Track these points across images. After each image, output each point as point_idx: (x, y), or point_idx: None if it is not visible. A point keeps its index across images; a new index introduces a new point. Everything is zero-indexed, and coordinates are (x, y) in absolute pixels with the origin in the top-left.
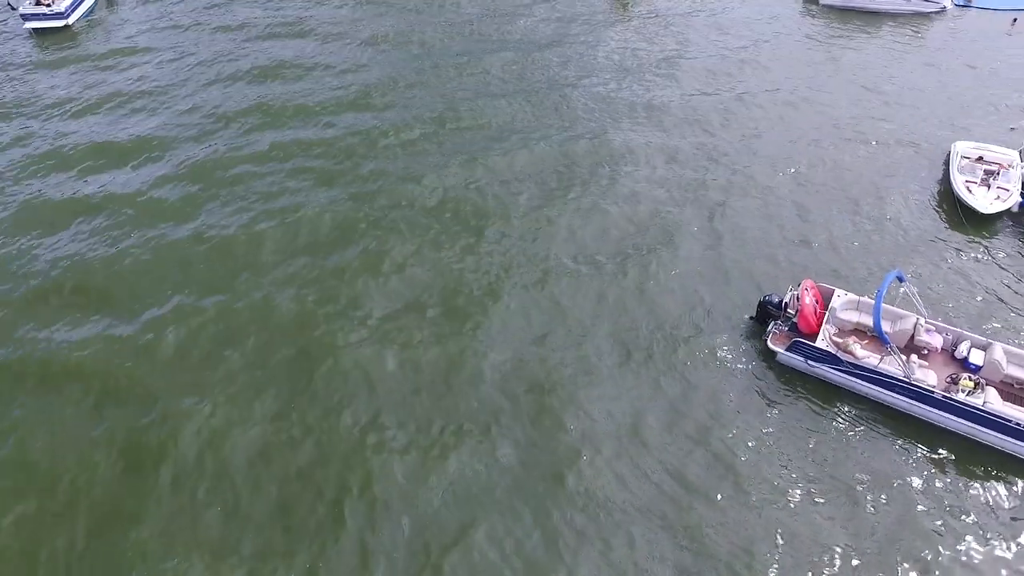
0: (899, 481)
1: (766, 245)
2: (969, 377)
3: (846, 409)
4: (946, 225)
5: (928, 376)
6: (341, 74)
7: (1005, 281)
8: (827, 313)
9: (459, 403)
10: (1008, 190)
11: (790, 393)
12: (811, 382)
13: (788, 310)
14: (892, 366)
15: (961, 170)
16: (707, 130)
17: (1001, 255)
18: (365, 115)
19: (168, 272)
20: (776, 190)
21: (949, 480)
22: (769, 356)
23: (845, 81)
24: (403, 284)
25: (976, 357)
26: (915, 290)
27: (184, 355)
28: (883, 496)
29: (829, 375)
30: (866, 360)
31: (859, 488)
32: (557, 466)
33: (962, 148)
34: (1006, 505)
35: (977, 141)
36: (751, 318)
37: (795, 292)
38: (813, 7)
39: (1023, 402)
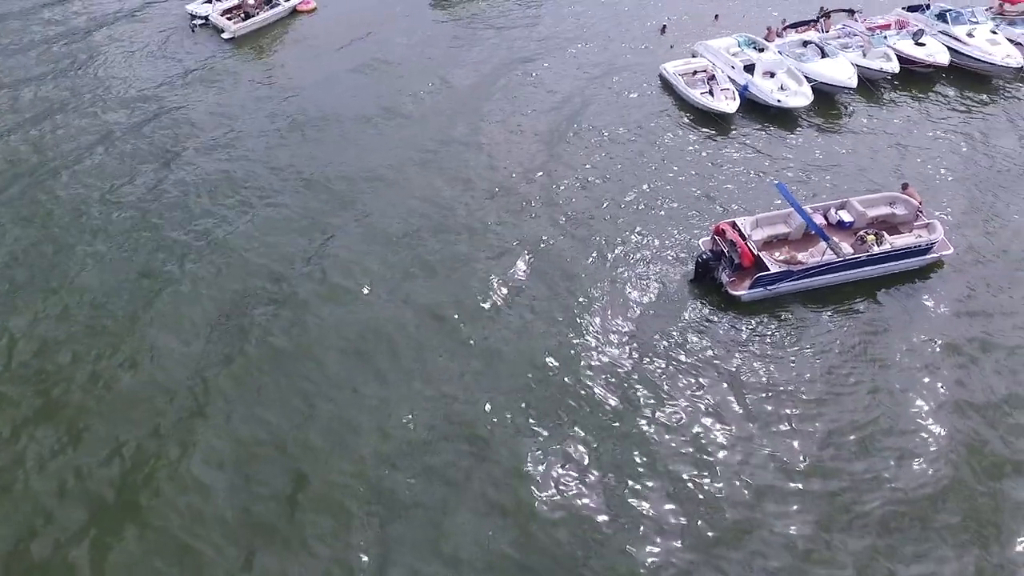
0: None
1: (593, 218)
2: (868, 232)
3: (812, 306)
4: (705, 134)
5: (847, 248)
6: None
7: (770, 158)
8: (747, 241)
9: None
10: (729, 89)
11: (766, 320)
12: (769, 303)
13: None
14: (829, 254)
15: (690, 85)
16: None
17: (754, 138)
18: None
19: None
20: (576, 167)
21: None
22: (729, 302)
23: (499, 52)
24: None
25: (845, 216)
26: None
27: None
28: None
29: (788, 288)
30: (812, 260)
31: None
32: None
33: (672, 68)
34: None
35: (665, 61)
36: (691, 281)
37: (711, 239)
38: (445, 4)
39: (894, 230)
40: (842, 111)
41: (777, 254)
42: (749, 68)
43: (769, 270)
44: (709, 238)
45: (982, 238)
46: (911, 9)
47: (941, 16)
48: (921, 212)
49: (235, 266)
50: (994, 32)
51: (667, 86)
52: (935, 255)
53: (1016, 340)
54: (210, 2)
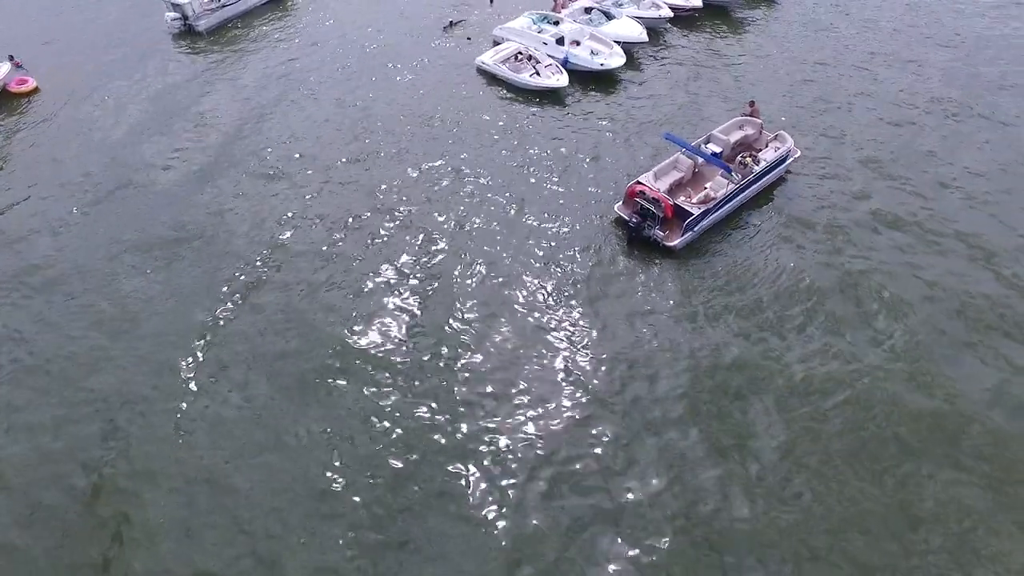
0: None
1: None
2: (745, 155)
3: (727, 231)
4: (544, 112)
5: (737, 175)
6: None
7: (611, 118)
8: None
9: None
10: (552, 64)
11: (703, 259)
12: (696, 245)
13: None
14: (732, 184)
15: (516, 70)
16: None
17: (589, 105)
18: None
19: None
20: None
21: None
22: (667, 255)
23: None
24: None
25: (714, 148)
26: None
27: None
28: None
29: (706, 224)
30: (720, 193)
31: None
32: None
33: (489, 58)
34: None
35: (468, 54)
36: (628, 244)
37: (625, 203)
38: (193, 39)
39: (752, 149)
40: (642, 62)
41: (683, 198)
42: (560, 41)
43: (693, 214)
44: (622, 203)
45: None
46: None
47: None
48: (763, 127)
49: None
50: None
51: (489, 77)
52: (791, 160)
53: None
54: None
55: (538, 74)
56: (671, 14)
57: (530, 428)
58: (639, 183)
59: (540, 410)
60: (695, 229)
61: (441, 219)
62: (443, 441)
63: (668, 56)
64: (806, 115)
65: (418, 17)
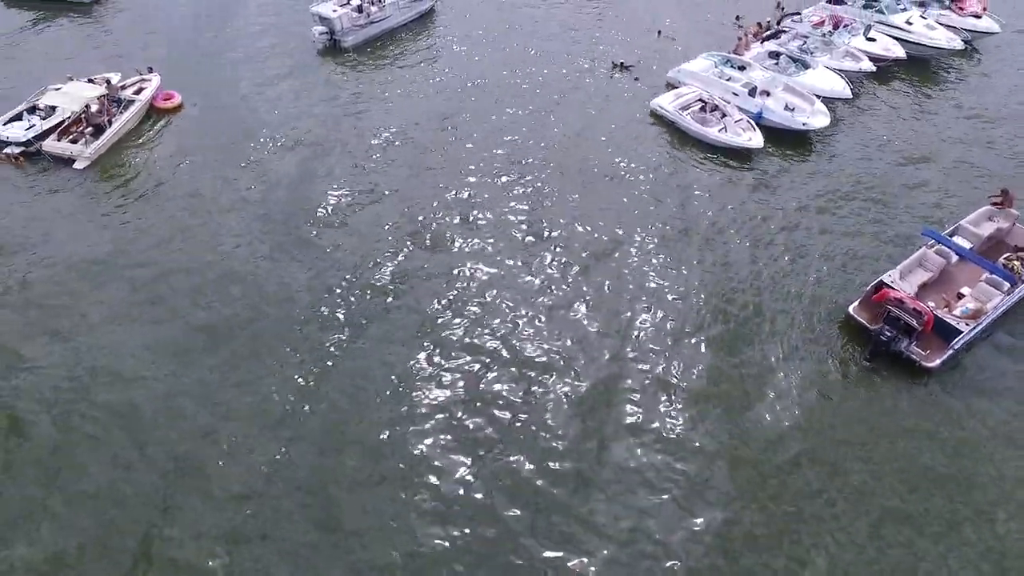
0: None
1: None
2: (1011, 257)
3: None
4: (732, 175)
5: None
6: None
7: (817, 189)
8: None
9: None
10: (741, 119)
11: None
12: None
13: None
14: (1003, 293)
15: (703, 122)
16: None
17: (784, 170)
18: None
19: None
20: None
21: None
22: (917, 375)
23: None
24: None
25: (963, 243)
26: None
27: None
28: None
29: (970, 339)
30: (992, 303)
31: None
32: None
33: (669, 104)
34: None
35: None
36: (867, 361)
37: (867, 307)
38: (340, 55)
39: (1004, 246)
40: (843, 122)
41: (931, 303)
42: (752, 92)
43: (961, 330)
44: (860, 305)
45: None
46: (835, 1)
47: (868, 5)
48: (1017, 220)
49: None
50: (923, 17)
51: (663, 123)
52: None
53: None
54: (19, 119)
55: (725, 129)
56: (873, 68)
57: None
58: (887, 286)
59: None
60: (953, 348)
61: (604, 315)
62: None
63: (871, 116)
64: None
65: (573, 46)
